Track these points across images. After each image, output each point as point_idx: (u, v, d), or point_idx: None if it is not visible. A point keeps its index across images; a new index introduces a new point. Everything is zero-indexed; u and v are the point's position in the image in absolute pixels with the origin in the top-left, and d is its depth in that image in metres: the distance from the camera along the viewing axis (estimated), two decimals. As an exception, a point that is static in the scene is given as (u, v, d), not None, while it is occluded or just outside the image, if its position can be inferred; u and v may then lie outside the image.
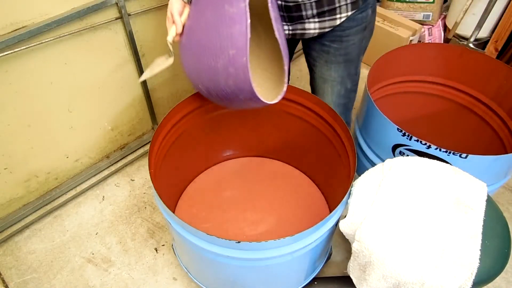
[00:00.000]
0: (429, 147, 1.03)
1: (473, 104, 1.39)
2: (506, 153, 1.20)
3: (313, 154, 1.31)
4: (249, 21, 0.80)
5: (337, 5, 0.97)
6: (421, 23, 2.01)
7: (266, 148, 1.45)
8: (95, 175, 1.53)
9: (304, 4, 0.96)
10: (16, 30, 1.05)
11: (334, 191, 1.27)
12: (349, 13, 0.99)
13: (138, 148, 1.63)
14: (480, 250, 0.80)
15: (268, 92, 1.03)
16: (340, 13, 0.98)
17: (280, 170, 1.45)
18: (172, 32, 0.95)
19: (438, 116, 1.48)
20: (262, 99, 0.90)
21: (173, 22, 0.94)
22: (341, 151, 1.12)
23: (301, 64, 2.04)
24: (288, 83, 1.02)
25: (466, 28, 1.92)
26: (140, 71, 1.39)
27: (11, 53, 1.05)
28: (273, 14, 0.88)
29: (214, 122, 1.27)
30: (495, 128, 1.34)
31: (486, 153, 1.02)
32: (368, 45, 1.17)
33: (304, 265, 1.03)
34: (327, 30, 1.02)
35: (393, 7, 2.06)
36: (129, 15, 1.24)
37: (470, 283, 0.77)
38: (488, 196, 0.92)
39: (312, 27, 1.02)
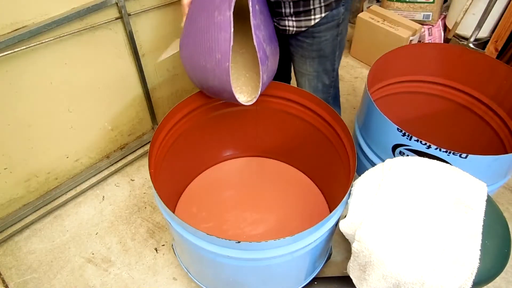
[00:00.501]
0: (429, 147, 1.03)
1: (473, 104, 1.39)
2: (506, 153, 1.20)
3: (313, 154, 1.31)
4: (232, 29, 0.90)
5: (311, 7, 1.03)
6: (421, 23, 2.01)
7: (266, 148, 1.45)
8: (95, 175, 1.53)
9: (284, 2, 1.03)
10: (16, 30, 1.05)
11: (334, 191, 1.27)
12: (323, 15, 1.05)
13: (138, 148, 1.63)
14: (480, 250, 0.80)
15: (254, 91, 1.13)
16: (315, 14, 1.05)
17: (280, 170, 1.45)
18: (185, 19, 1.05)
19: (438, 116, 1.48)
20: (239, 100, 1.03)
21: (185, 13, 1.04)
22: (341, 151, 1.12)
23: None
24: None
25: (466, 28, 1.92)
26: (140, 71, 1.40)
27: (11, 53, 1.05)
28: (254, 21, 0.95)
29: (214, 122, 1.27)
30: (495, 128, 1.34)
31: (486, 153, 1.02)
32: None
33: (304, 265, 1.03)
34: (303, 29, 1.09)
35: (393, 7, 2.06)
36: (129, 15, 1.24)
37: (470, 283, 0.77)
38: (488, 196, 0.92)
39: (291, 25, 1.09)
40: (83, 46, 1.21)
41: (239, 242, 0.80)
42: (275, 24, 1.11)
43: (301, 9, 1.04)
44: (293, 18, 1.07)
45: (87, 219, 1.43)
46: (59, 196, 1.47)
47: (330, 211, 0.99)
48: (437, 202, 0.88)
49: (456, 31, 1.96)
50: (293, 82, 1.32)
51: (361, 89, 1.94)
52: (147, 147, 1.63)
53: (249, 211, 1.32)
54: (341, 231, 0.91)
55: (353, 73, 2.03)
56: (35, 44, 1.09)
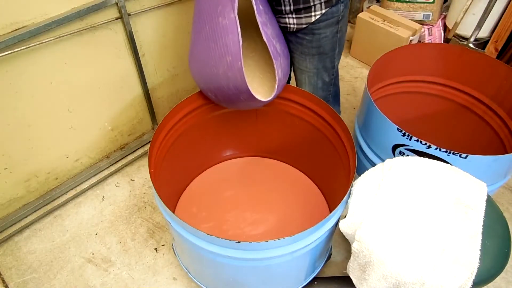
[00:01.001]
0: (429, 147, 1.03)
1: (473, 104, 1.39)
2: (506, 153, 1.20)
3: (313, 154, 1.31)
4: (239, 29, 0.90)
5: (311, 4, 1.04)
6: (421, 23, 2.01)
7: (266, 148, 1.45)
8: (95, 175, 1.53)
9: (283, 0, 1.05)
10: (16, 30, 1.05)
11: (334, 191, 1.27)
12: (323, 11, 1.06)
13: (138, 148, 1.63)
14: (480, 250, 0.80)
15: (269, 91, 1.11)
16: (315, 11, 1.05)
17: (280, 170, 1.45)
18: None
19: (438, 116, 1.48)
20: (257, 97, 0.99)
21: None
22: (341, 151, 1.12)
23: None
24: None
25: (466, 28, 1.92)
26: (140, 71, 1.39)
27: (11, 53, 1.05)
28: (260, 19, 0.95)
29: (214, 122, 1.27)
30: (495, 128, 1.34)
31: (486, 153, 1.02)
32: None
33: (304, 265, 1.03)
34: (303, 26, 1.09)
35: (393, 7, 2.06)
36: (129, 15, 1.24)
37: (470, 283, 0.77)
38: (488, 196, 0.92)
39: (292, 22, 1.09)
40: (83, 46, 1.21)
41: (239, 242, 0.80)
42: (279, 21, 1.11)
43: (301, 6, 1.04)
44: (294, 15, 1.07)
45: (87, 219, 1.43)
46: (59, 196, 1.47)
47: (330, 211, 0.99)
48: (437, 202, 0.88)
49: (456, 31, 1.96)
50: (293, 82, 1.32)
51: (361, 89, 1.94)
52: (147, 147, 1.63)
53: (249, 211, 1.32)
54: (341, 231, 0.91)
55: (353, 73, 2.03)
56: (35, 44, 1.09)
